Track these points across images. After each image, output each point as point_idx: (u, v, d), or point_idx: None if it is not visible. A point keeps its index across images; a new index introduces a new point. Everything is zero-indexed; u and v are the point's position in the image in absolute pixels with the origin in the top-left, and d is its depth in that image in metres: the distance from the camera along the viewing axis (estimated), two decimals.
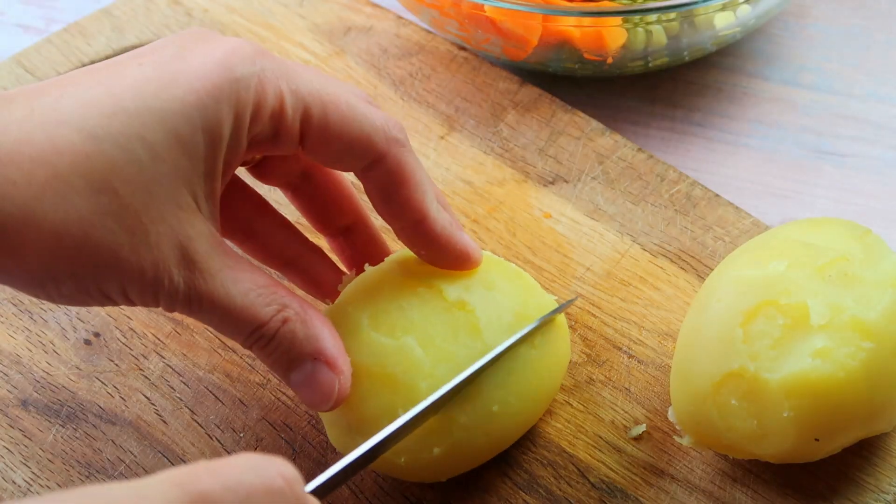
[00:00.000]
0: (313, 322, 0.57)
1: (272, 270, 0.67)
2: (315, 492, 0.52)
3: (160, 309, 0.65)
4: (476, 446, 0.60)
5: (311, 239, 0.66)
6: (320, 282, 0.66)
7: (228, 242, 0.67)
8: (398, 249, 0.64)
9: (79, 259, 0.51)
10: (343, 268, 0.67)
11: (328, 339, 0.58)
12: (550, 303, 0.63)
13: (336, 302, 0.61)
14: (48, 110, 0.51)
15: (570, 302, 0.66)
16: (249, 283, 0.56)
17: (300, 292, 0.67)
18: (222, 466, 0.45)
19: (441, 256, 0.61)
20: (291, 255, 0.65)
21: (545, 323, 0.61)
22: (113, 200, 0.51)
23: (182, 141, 0.52)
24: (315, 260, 0.66)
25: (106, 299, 0.54)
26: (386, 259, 0.63)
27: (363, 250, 0.66)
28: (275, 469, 0.45)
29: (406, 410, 0.57)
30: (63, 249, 0.51)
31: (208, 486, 0.44)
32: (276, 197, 0.72)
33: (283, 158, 0.63)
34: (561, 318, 0.63)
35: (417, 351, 0.59)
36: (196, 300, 0.55)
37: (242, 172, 0.67)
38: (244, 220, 0.64)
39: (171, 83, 0.52)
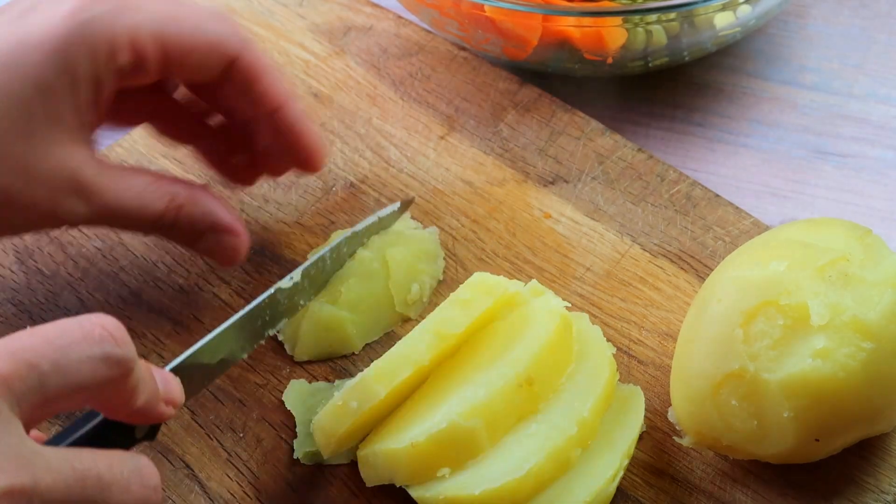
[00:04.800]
0: (204, 200, 0.65)
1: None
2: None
3: (160, 308, 0.69)
4: None
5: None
6: (228, 162, 0.71)
7: (142, 129, 0.75)
8: None
9: None
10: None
11: (221, 211, 0.65)
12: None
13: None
14: None
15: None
16: (139, 185, 0.63)
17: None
18: (44, 326, 0.49)
19: (295, 143, 0.67)
20: (200, 132, 0.71)
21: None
22: None
23: (43, 88, 0.59)
24: (221, 139, 0.71)
25: (11, 228, 0.62)
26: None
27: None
28: (96, 320, 0.50)
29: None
30: None
31: (27, 342, 0.48)
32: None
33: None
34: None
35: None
36: (95, 216, 0.62)
37: None
38: (150, 108, 0.70)
39: (26, 37, 0.59)
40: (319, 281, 0.68)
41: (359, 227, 0.70)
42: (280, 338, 0.69)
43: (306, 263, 0.67)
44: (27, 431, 0.48)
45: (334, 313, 0.67)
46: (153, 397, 0.53)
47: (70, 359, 0.48)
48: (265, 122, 0.67)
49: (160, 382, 0.54)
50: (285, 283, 0.66)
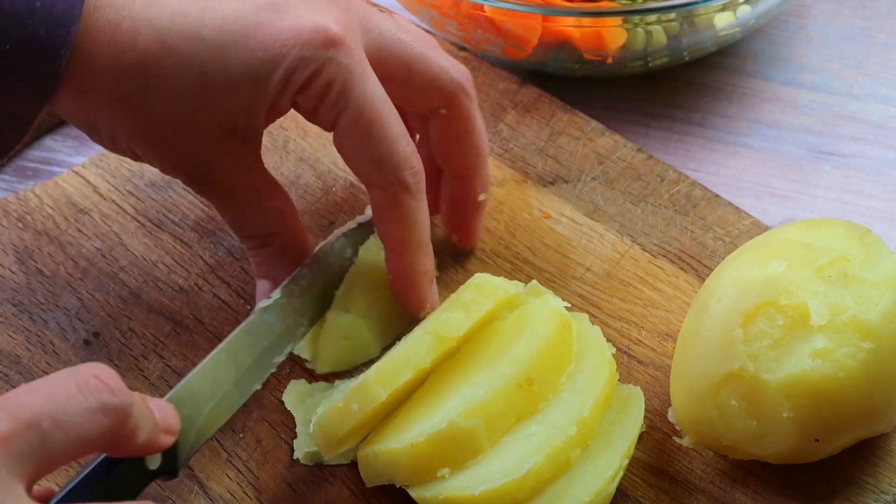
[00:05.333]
0: (286, 255, 0.65)
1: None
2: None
3: (159, 308, 0.69)
4: None
5: None
6: None
7: None
8: None
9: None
10: None
11: (284, 272, 0.64)
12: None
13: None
14: (155, 10, 0.60)
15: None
16: (275, 201, 0.64)
17: None
18: (40, 381, 0.49)
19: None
20: None
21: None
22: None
23: (230, 80, 0.59)
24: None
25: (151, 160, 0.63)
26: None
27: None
28: (89, 370, 0.49)
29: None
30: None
31: (27, 399, 0.48)
32: None
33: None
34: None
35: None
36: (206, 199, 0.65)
37: None
38: None
39: (251, 33, 0.59)
40: (314, 294, 0.66)
41: (346, 228, 0.69)
42: (303, 355, 0.68)
43: (285, 281, 0.65)
44: (31, 486, 0.48)
45: (351, 320, 0.67)
46: (153, 431, 0.53)
47: (69, 413, 0.48)
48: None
49: (157, 411, 0.54)
50: (264, 303, 0.64)
